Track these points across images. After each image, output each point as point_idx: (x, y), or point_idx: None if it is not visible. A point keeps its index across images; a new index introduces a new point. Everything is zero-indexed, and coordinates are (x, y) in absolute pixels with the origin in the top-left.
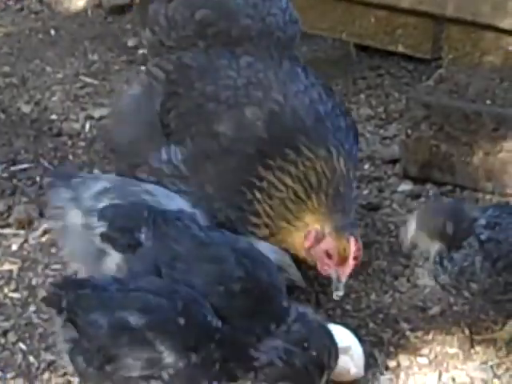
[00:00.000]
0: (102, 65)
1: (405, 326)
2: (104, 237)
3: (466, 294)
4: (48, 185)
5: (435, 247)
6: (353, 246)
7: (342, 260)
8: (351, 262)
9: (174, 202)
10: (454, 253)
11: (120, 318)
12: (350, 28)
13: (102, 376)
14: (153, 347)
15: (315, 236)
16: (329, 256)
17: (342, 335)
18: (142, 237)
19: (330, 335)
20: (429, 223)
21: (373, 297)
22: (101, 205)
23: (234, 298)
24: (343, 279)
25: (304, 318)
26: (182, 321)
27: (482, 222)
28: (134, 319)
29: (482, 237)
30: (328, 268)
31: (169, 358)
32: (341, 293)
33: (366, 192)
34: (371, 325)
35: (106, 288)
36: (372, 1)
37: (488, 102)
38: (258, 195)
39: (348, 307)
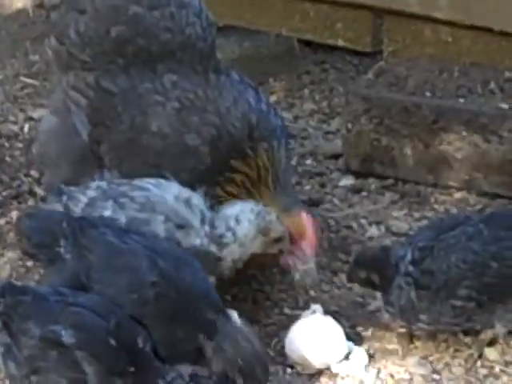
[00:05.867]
0: (43, 65)
1: (344, 322)
2: (24, 253)
3: (422, 325)
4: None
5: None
6: (305, 219)
7: (301, 236)
8: (311, 236)
9: (170, 191)
10: (390, 295)
11: (53, 332)
12: (290, 23)
13: None
14: (79, 367)
15: None
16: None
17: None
18: (62, 250)
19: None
20: (356, 275)
21: (311, 293)
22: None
23: (148, 306)
24: (311, 259)
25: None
26: (112, 342)
27: (409, 258)
28: (66, 335)
29: (414, 274)
30: (290, 256)
31: (93, 381)
32: (314, 277)
33: (307, 187)
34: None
35: (46, 298)
36: None
37: (427, 94)
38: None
39: (285, 304)
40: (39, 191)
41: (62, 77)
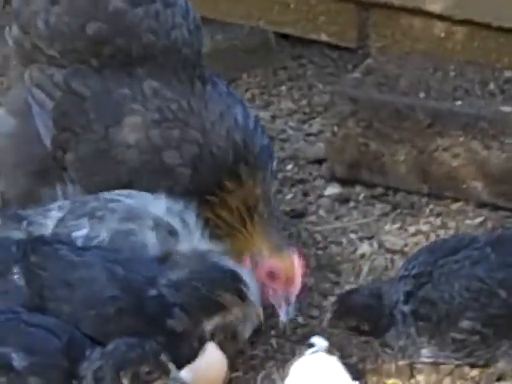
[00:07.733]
0: (1, 59)
1: (336, 352)
2: None
3: (423, 359)
4: None
5: None
6: (296, 262)
7: (289, 279)
8: (298, 281)
9: (156, 202)
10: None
11: (2, 355)
12: (268, 15)
13: None
14: None
15: (251, 261)
16: (273, 278)
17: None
18: (15, 277)
19: None
20: (342, 324)
21: (299, 319)
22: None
23: (110, 322)
24: (293, 301)
25: None
26: (65, 363)
27: (402, 298)
28: (18, 359)
29: (408, 309)
30: (274, 292)
31: None
32: (291, 315)
33: (289, 197)
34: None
35: None
36: None
37: (421, 94)
38: None
39: (272, 332)
40: None
41: (23, 71)
